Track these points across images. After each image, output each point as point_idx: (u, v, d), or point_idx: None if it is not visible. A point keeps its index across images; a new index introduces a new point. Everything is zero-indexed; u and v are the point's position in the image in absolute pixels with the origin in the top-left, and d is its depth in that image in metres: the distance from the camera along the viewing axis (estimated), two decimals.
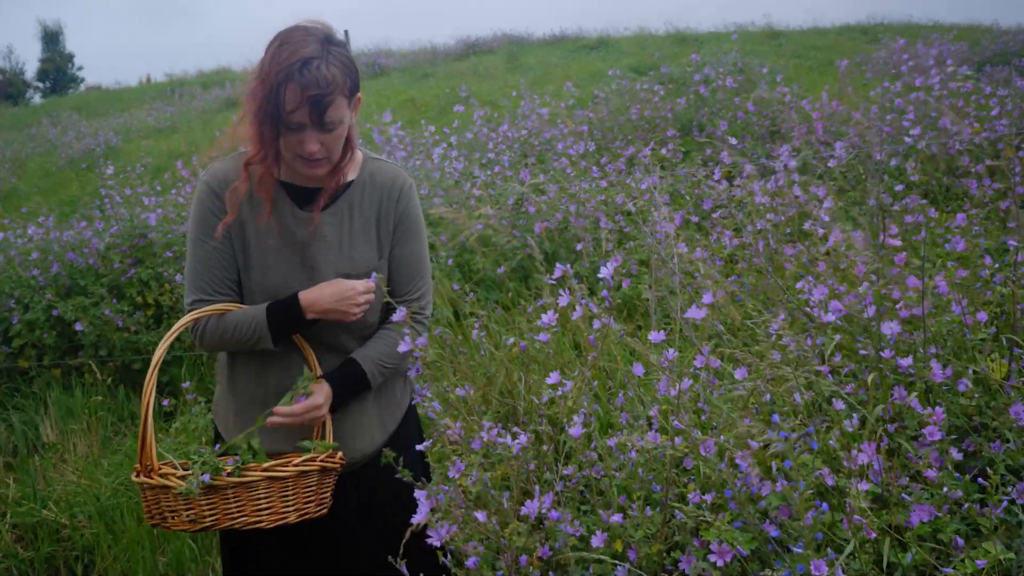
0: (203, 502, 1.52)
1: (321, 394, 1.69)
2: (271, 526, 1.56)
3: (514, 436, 1.58)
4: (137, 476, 1.57)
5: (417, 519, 1.49)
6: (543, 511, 1.51)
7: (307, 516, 1.61)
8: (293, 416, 1.64)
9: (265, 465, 1.56)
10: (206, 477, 1.51)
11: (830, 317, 2.10)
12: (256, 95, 1.57)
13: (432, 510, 1.51)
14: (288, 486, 1.57)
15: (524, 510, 1.46)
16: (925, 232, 2.80)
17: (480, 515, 1.45)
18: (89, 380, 4.58)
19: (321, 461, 1.62)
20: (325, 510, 1.67)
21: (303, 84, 1.53)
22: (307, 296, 1.67)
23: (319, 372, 1.75)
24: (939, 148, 4.38)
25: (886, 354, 1.91)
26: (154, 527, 1.63)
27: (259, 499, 1.55)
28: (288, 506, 1.57)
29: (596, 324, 1.87)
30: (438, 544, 1.47)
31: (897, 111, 5.14)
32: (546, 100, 7.64)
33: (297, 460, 1.59)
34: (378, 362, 1.77)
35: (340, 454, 1.68)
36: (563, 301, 1.91)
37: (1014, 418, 1.78)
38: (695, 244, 3.13)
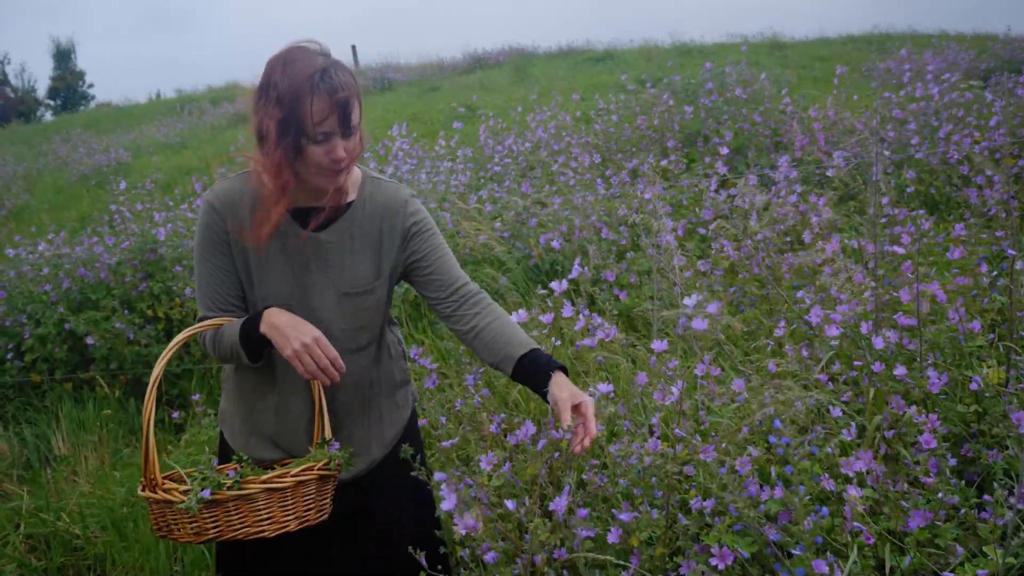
0: (206, 515, 1.56)
1: (567, 390, 1.63)
2: (273, 535, 1.59)
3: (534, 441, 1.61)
4: (143, 490, 1.60)
5: (447, 506, 1.51)
6: (567, 510, 1.55)
7: (308, 523, 1.64)
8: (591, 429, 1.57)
9: (264, 477, 1.59)
10: (206, 493, 1.53)
11: (833, 331, 2.12)
12: (274, 117, 1.56)
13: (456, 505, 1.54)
14: (287, 496, 1.60)
15: (552, 506, 1.48)
16: (924, 241, 2.83)
17: (510, 503, 1.47)
18: (100, 393, 4.63)
19: (319, 469, 1.64)
20: (326, 516, 1.69)
21: (329, 91, 1.54)
22: (271, 311, 1.68)
23: (319, 391, 1.76)
24: (938, 158, 4.40)
25: (876, 367, 1.93)
26: (162, 538, 1.66)
27: (259, 510, 1.58)
28: (288, 515, 1.60)
29: (599, 334, 1.91)
30: (463, 531, 1.49)
31: (898, 121, 5.17)
32: (550, 114, 7.68)
33: (295, 470, 1.61)
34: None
35: (337, 461, 1.69)
36: (566, 312, 1.95)
37: (1015, 423, 1.80)
38: (696, 255, 3.17)
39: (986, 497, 1.63)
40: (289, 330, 1.61)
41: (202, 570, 2.95)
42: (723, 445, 1.77)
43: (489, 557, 1.50)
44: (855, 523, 1.59)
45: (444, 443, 1.75)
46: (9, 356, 4.85)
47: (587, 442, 1.54)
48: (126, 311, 4.99)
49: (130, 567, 3.03)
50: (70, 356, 4.88)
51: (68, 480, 3.73)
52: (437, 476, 1.62)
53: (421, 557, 1.62)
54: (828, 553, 1.57)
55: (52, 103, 33.35)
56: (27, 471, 4.02)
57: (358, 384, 1.84)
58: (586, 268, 1.85)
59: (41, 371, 4.81)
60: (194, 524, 1.56)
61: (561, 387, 1.61)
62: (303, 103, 1.54)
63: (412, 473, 1.73)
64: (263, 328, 1.64)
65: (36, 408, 4.64)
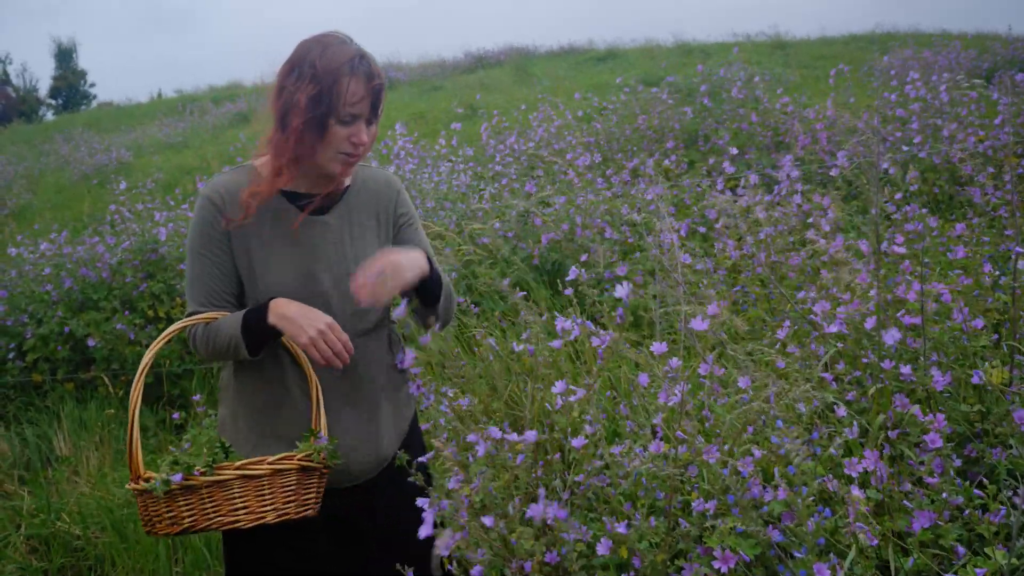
0: (181, 503, 1.51)
1: (398, 254, 1.65)
2: (249, 526, 1.54)
3: (515, 446, 1.59)
4: (131, 484, 1.56)
5: (424, 533, 1.48)
6: (548, 515, 1.53)
7: (287, 517, 1.58)
8: (369, 283, 1.59)
9: (238, 464, 1.53)
10: (178, 477, 1.49)
11: (833, 328, 2.12)
12: (307, 92, 1.60)
13: (436, 523, 1.52)
14: (264, 485, 1.55)
15: (529, 513, 1.47)
16: (928, 240, 2.82)
17: (487, 519, 1.45)
18: (102, 393, 4.62)
19: (299, 460, 1.59)
20: (311, 511, 1.63)
21: (367, 75, 1.64)
22: (277, 301, 1.68)
23: (314, 379, 1.75)
24: (940, 157, 4.39)
25: (886, 364, 1.92)
26: (148, 534, 1.62)
27: (234, 498, 1.52)
28: (265, 506, 1.55)
29: (595, 341, 1.89)
30: (445, 553, 1.48)
31: (900, 120, 5.16)
32: (551, 115, 7.67)
33: (272, 458, 1.56)
34: (447, 284, 1.80)
35: (323, 455, 1.65)
36: (565, 324, 1.93)
37: (1017, 423, 1.79)
38: (699, 254, 3.16)
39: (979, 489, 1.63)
40: (301, 319, 1.63)
41: (202, 571, 2.95)
42: (726, 447, 1.76)
43: (475, 572, 1.46)
44: (858, 524, 1.58)
45: (421, 458, 1.74)
46: (11, 356, 4.84)
47: (378, 290, 1.57)
48: (127, 311, 4.98)
49: (130, 568, 3.03)
50: (72, 356, 4.87)
51: (69, 480, 3.72)
52: (419, 501, 1.59)
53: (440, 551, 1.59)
54: (831, 555, 1.56)
55: (54, 103, 33.40)
56: (28, 471, 4.02)
57: (365, 378, 1.83)
58: (583, 271, 1.84)
59: (43, 371, 4.81)
60: (171, 513, 1.52)
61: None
62: (341, 82, 1.61)
63: (406, 481, 1.71)
64: (272, 319, 1.65)
65: (38, 408, 4.63)
